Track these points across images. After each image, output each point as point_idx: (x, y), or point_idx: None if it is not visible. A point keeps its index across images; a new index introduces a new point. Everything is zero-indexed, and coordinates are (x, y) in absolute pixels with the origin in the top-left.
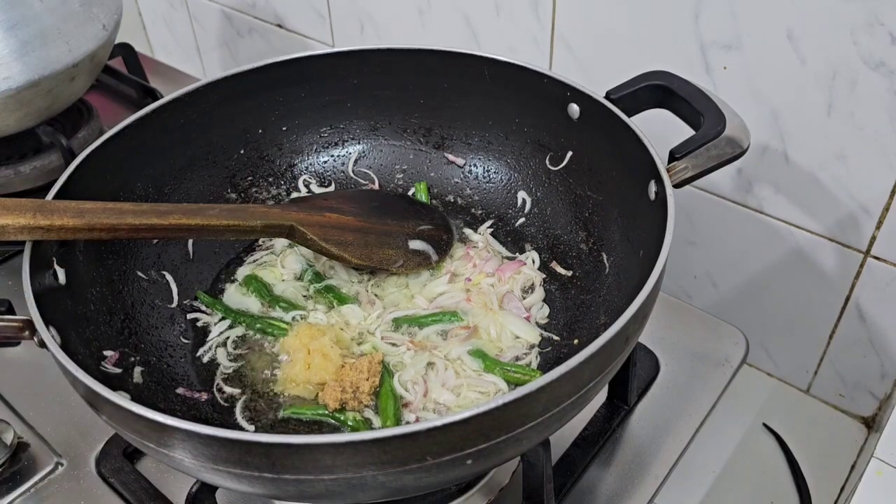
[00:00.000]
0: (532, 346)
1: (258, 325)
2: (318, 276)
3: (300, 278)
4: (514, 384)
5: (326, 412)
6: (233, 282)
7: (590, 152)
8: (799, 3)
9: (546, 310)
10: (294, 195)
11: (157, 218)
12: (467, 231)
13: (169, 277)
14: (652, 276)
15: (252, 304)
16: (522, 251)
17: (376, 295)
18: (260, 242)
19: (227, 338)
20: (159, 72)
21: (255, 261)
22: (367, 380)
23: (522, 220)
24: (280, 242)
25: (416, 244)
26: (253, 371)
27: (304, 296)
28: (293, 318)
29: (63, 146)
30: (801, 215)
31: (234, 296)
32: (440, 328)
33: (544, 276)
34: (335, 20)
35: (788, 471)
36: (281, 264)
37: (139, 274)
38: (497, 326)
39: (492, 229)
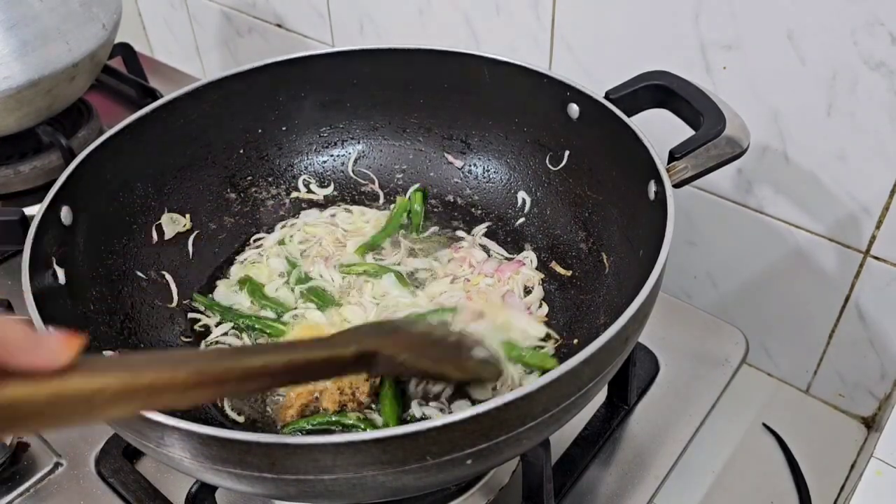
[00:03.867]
0: (543, 340)
1: (257, 326)
2: (303, 279)
3: (286, 279)
4: (530, 369)
5: (327, 418)
6: (226, 278)
7: (590, 152)
8: (799, 3)
9: (545, 308)
10: (294, 195)
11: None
12: (460, 234)
13: (168, 277)
14: (652, 276)
15: (243, 299)
16: (522, 251)
17: (374, 298)
18: (250, 242)
19: (226, 334)
20: (159, 72)
21: (244, 259)
22: (367, 380)
23: (522, 220)
24: (268, 241)
25: (479, 352)
26: None
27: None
28: (292, 318)
29: (63, 146)
30: (801, 215)
31: (226, 293)
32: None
33: (543, 276)
34: (335, 20)
35: (788, 471)
36: (267, 264)
37: (139, 274)
38: (503, 317)
39: (486, 230)
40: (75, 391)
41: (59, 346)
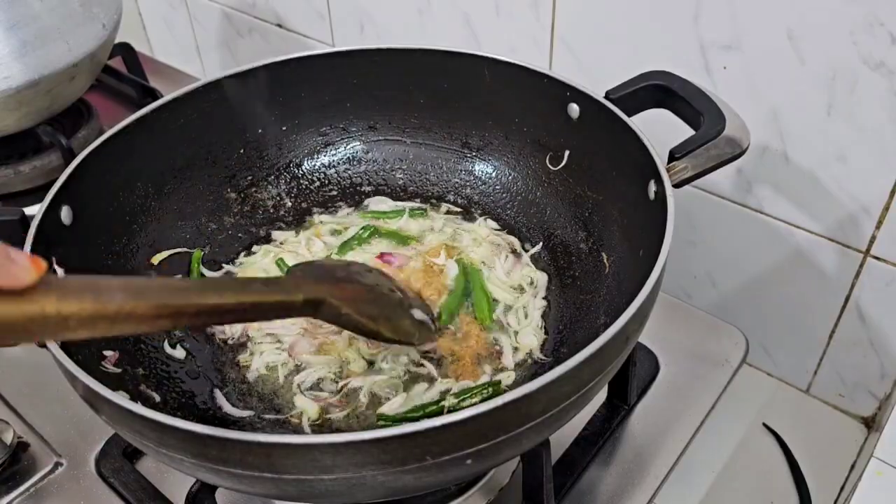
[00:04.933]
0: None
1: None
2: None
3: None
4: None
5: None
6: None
7: (590, 152)
8: (799, 3)
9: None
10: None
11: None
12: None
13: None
14: (652, 276)
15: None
16: (523, 249)
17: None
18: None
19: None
20: (159, 72)
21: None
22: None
23: (522, 219)
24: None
25: (418, 314)
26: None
27: None
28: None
29: (63, 146)
30: (801, 215)
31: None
32: None
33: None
34: (335, 20)
35: (788, 471)
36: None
37: (139, 274)
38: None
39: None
40: (53, 314)
41: (26, 265)
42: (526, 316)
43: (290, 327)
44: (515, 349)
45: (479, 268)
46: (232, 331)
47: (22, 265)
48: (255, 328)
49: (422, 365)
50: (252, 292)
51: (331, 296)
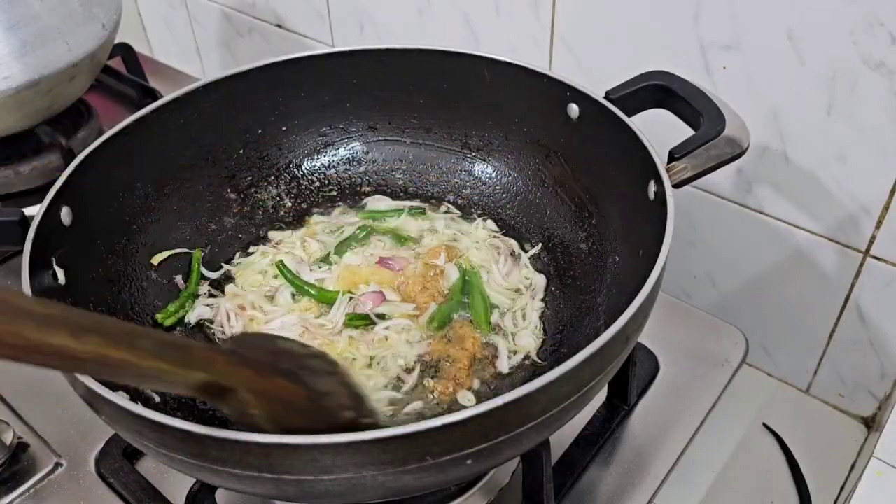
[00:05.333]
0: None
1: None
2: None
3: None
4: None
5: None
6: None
7: (590, 152)
8: (799, 3)
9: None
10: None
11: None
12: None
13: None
14: (652, 276)
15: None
16: (522, 251)
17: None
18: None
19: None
20: (159, 72)
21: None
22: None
23: (522, 219)
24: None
25: (349, 414)
26: None
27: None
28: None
29: (63, 146)
30: (801, 215)
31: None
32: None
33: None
34: (335, 20)
35: (788, 471)
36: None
37: (139, 274)
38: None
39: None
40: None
41: None
42: (524, 318)
43: (290, 327)
44: (514, 352)
45: (478, 271)
46: (232, 331)
47: None
48: (255, 327)
49: (412, 369)
50: (143, 346)
51: (247, 386)
